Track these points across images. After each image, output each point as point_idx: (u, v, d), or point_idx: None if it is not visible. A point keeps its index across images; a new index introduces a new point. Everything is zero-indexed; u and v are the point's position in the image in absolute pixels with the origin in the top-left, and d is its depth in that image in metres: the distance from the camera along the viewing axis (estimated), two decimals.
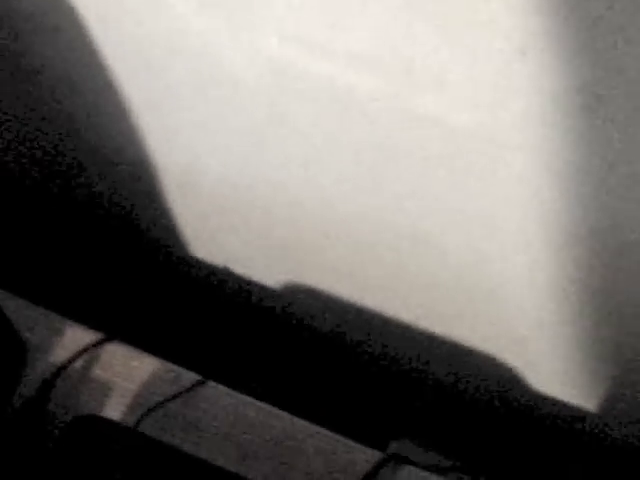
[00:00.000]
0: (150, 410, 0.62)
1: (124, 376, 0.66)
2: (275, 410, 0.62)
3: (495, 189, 0.50)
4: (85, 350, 0.66)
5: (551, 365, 0.63)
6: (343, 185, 0.59)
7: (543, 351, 0.62)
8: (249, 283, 0.78)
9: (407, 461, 0.59)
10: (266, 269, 0.75)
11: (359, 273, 0.68)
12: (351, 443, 0.61)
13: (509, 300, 0.59)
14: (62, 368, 0.65)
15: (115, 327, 0.69)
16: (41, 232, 0.83)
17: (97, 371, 0.66)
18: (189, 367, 0.66)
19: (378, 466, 0.59)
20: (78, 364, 0.66)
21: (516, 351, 0.64)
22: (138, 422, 0.62)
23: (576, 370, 0.62)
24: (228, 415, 0.63)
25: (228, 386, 0.65)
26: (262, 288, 0.77)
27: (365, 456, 0.60)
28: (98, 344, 0.67)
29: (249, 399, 0.63)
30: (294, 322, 0.80)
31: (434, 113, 0.47)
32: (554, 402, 0.67)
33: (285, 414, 0.62)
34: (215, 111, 0.59)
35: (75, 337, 0.67)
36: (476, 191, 0.51)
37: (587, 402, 0.66)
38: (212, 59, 0.53)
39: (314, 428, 0.62)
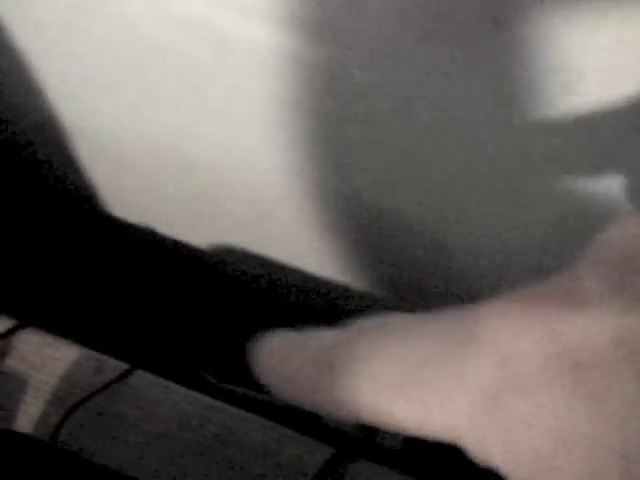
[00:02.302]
0: (71, 409, 0.55)
1: (40, 367, 0.59)
2: (214, 402, 0.56)
3: None
4: None
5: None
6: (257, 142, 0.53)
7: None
8: (174, 243, 0.72)
9: (359, 456, 0.54)
10: (190, 228, 0.70)
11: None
12: (299, 438, 0.55)
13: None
14: None
15: (27, 312, 0.61)
16: None
17: (10, 362, 0.59)
18: (114, 354, 0.59)
19: (329, 463, 0.53)
20: None
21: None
22: (60, 424, 0.55)
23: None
24: (160, 409, 0.57)
25: (159, 374, 0.59)
26: (186, 247, 0.72)
27: (315, 451, 0.55)
28: (10, 332, 0.60)
29: (184, 390, 0.57)
30: (224, 282, 0.74)
31: None
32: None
33: (226, 407, 0.56)
34: (126, 71, 0.51)
35: None
36: None
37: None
38: (124, 19, 0.46)
39: (259, 421, 0.56)
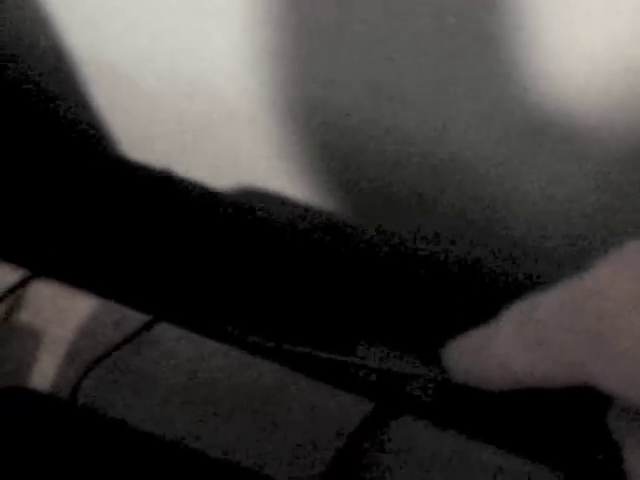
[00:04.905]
0: (90, 365, 0.51)
1: (55, 321, 0.55)
2: (244, 355, 0.52)
3: None
4: (8, 292, 0.55)
5: None
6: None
7: None
8: (193, 186, 0.68)
9: (398, 412, 0.50)
10: (208, 170, 0.66)
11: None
12: (337, 392, 0.51)
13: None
14: None
15: (39, 262, 0.57)
16: None
17: (22, 316, 0.55)
18: (134, 305, 0.55)
19: (368, 418, 0.49)
20: (0, 310, 0.55)
21: None
22: (79, 381, 0.51)
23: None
24: (187, 364, 0.53)
25: (183, 325, 0.54)
26: (207, 191, 0.67)
27: (354, 406, 0.51)
28: (22, 284, 0.55)
29: (211, 342, 0.53)
30: (246, 226, 0.70)
31: None
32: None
33: (257, 360, 0.52)
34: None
35: None
36: None
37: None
38: None
39: (293, 375, 0.52)
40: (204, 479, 0.45)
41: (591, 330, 0.24)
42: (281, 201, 0.65)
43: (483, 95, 0.44)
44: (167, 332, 0.54)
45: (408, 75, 0.44)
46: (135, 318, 0.54)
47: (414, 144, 0.50)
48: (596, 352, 0.23)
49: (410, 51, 0.42)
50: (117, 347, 0.53)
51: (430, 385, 0.57)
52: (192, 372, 0.53)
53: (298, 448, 0.50)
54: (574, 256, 0.57)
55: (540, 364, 0.25)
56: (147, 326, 0.54)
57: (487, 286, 0.65)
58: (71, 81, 0.61)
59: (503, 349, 0.27)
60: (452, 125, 0.47)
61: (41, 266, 0.56)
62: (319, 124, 0.53)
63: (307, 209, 0.64)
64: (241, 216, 0.69)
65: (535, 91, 0.42)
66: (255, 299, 0.68)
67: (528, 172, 0.49)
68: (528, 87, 0.42)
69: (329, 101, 0.50)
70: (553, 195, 0.50)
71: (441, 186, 0.54)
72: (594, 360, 0.24)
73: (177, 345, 0.53)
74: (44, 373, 0.53)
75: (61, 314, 0.55)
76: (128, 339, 0.53)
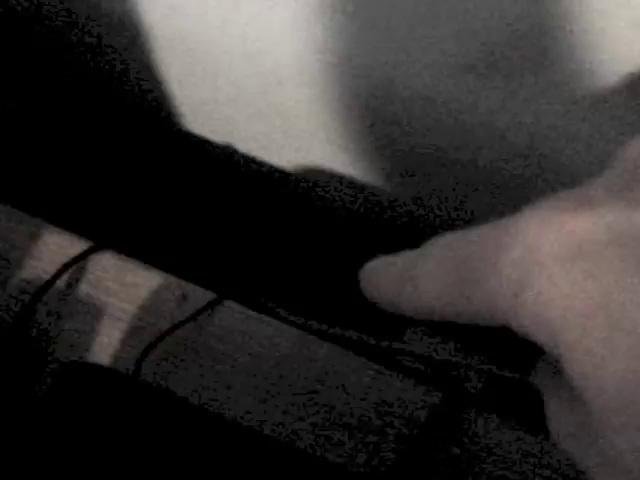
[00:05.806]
0: (153, 342, 0.50)
1: (118, 295, 0.54)
2: (312, 339, 0.50)
3: None
4: (69, 264, 0.53)
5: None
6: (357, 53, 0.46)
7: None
8: (254, 162, 0.67)
9: (469, 404, 0.48)
10: (272, 147, 0.64)
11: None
12: (398, 378, 0.49)
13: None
14: (43, 288, 0.53)
15: (103, 234, 0.56)
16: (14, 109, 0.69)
17: (84, 288, 0.54)
18: (199, 282, 0.54)
19: (439, 408, 0.47)
20: (61, 282, 0.54)
21: None
22: (141, 357, 0.50)
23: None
24: (252, 344, 0.51)
25: (248, 305, 0.53)
26: (270, 168, 0.66)
27: (415, 393, 0.49)
28: (84, 255, 0.54)
29: (276, 323, 0.51)
30: (307, 204, 0.69)
31: None
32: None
33: (322, 343, 0.50)
34: None
35: (54, 247, 0.55)
36: None
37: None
38: None
39: (358, 360, 0.50)
40: (266, 461, 0.43)
41: (517, 277, 0.24)
42: (342, 182, 0.63)
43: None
44: (232, 311, 0.52)
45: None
46: (199, 295, 0.53)
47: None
48: (520, 299, 0.23)
49: None
50: (181, 324, 0.51)
51: (477, 376, 0.56)
52: (256, 353, 0.51)
53: (364, 435, 0.49)
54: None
55: (462, 299, 0.25)
56: (212, 304, 0.52)
57: None
58: (141, 50, 0.60)
59: (426, 278, 0.26)
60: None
61: (105, 239, 0.55)
62: (383, 108, 0.51)
63: (367, 191, 0.63)
64: (300, 195, 0.68)
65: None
66: (304, 279, 0.67)
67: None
68: None
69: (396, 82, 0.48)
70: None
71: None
72: (517, 306, 0.24)
73: (241, 325, 0.52)
74: (106, 347, 0.52)
75: (124, 288, 0.54)
76: (192, 316, 0.51)
